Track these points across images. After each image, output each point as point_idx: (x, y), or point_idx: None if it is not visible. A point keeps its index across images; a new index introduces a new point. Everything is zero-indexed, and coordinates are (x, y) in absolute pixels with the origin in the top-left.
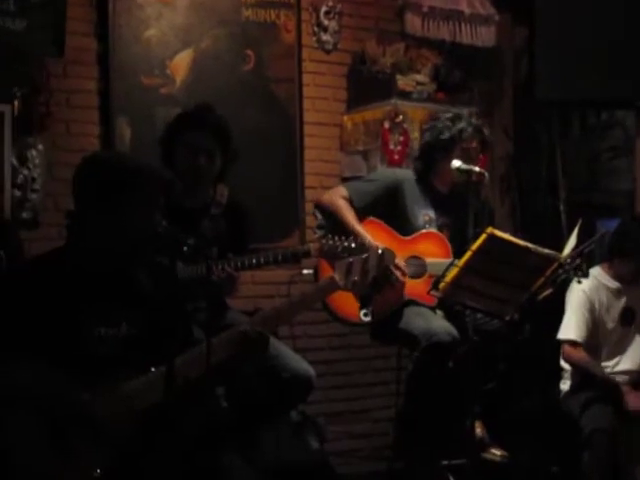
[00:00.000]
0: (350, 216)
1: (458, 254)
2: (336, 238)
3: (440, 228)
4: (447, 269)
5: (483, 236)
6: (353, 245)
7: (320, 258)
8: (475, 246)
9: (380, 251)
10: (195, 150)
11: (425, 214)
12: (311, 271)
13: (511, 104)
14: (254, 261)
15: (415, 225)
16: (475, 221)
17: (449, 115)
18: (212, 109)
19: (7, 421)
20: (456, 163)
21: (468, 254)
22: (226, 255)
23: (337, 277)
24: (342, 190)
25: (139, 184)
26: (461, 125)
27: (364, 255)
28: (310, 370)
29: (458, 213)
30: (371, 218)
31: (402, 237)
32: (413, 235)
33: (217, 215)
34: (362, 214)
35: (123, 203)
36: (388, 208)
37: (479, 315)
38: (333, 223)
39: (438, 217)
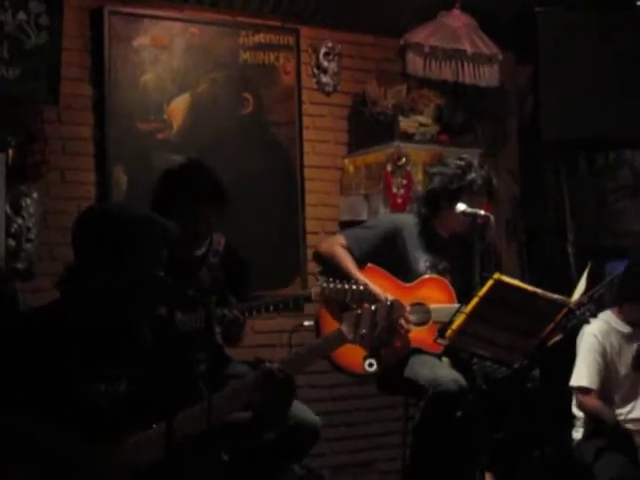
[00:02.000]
0: (351, 265)
1: (464, 300)
2: (337, 281)
3: (441, 273)
4: (454, 316)
5: (490, 282)
6: (361, 288)
7: (322, 303)
8: (482, 292)
9: (389, 303)
10: (192, 218)
11: (426, 259)
12: (311, 322)
13: (516, 145)
14: (254, 308)
15: (416, 271)
16: (481, 266)
17: (459, 163)
18: (204, 169)
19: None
20: (461, 207)
21: (475, 300)
22: (227, 302)
23: (345, 330)
24: (340, 238)
25: (144, 236)
26: (472, 176)
27: (373, 307)
28: (316, 419)
29: (461, 258)
30: (371, 265)
31: (404, 284)
32: (415, 281)
33: (215, 264)
34: (362, 262)
35: (128, 256)
36: (388, 255)
37: (487, 363)
38: (334, 273)
39: (439, 262)
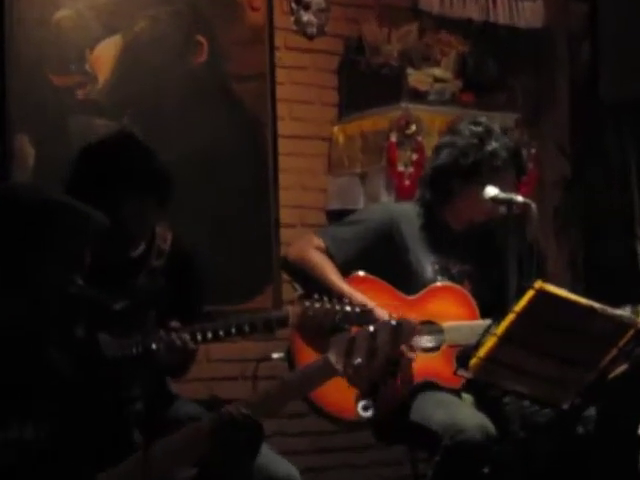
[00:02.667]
0: (333, 274)
1: (490, 316)
2: (325, 298)
3: (457, 279)
4: (481, 338)
5: (530, 292)
6: (357, 310)
7: (300, 329)
8: (519, 307)
9: (394, 322)
10: (123, 211)
11: (435, 262)
12: (282, 354)
13: (567, 108)
14: (209, 333)
15: (422, 278)
16: (519, 271)
17: (475, 129)
18: (138, 143)
19: None
20: (491, 191)
21: (510, 318)
22: (166, 323)
23: (334, 358)
24: (315, 239)
25: (57, 229)
26: (492, 146)
27: (372, 327)
28: (293, 471)
29: (484, 258)
30: (359, 274)
31: (405, 296)
32: (421, 292)
33: (157, 268)
34: (346, 269)
35: (32, 256)
36: (382, 259)
37: (525, 402)
38: (309, 287)
39: (453, 265)
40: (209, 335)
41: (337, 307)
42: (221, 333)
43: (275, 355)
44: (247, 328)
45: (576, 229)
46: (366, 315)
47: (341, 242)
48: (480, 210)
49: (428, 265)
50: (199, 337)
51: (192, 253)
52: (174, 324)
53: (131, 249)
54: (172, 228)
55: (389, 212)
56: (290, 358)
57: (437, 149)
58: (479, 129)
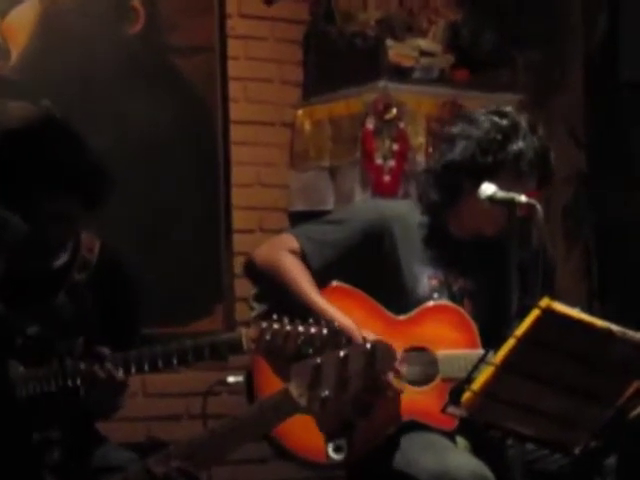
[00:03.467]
0: (306, 283)
1: (492, 342)
2: (286, 320)
3: (457, 298)
4: (475, 369)
5: (535, 313)
6: (324, 332)
7: (258, 354)
8: (522, 330)
9: (369, 346)
10: (40, 214)
11: (432, 276)
12: (240, 378)
13: (581, 87)
14: (146, 362)
15: (415, 294)
16: (522, 286)
17: (499, 121)
18: (60, 128)
19: None
20: (487, 189)
21: (510, 344)
22: (91, 350)
23: (295, 391)
24: (289, 240)
25: None
26: (519, 145)
27: (342, 352)
28: None
29: (490, 273)
30: (338, 284)
31: (393, 316)
32: (413, 312)
33: (80, 283)
34: (323, 277)
35: None
36: (367, 268)
37: (530, 446)
38: (276, 296)
39: (454, 280)
40: (145, 365)
41: (300, 329)
42: (160, 363)
43: (231, 379)
44: (191, 356)
45: (590, 232)
46: (336, 337)
47: (319, 244)
48: (483, 217)
49: (423, 279)
50: (133, 368)
51: (124, 265)
52: (102, 350)
53: (49, 259)
54: (100, 235)
55: (379, 211)
56: (249, 383)
57: (449, 140)
58: (504, 122)
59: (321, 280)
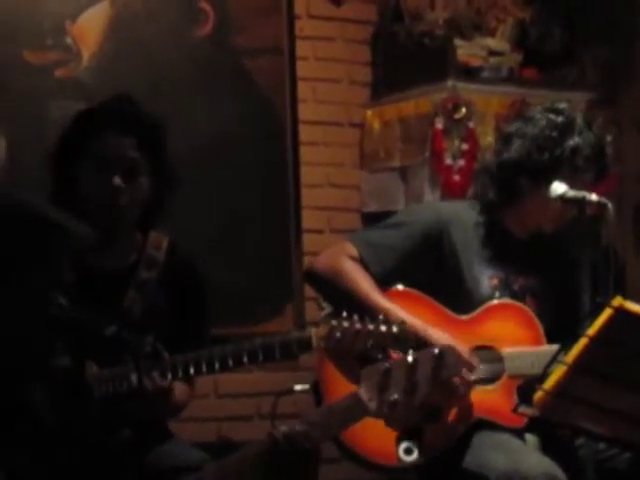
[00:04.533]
0: (368, 287)
1: (562, 340)
2: (355, 318)
3: (519, 296)
4: (547, 367)
5: (608, 312)
6: (394, 330)
7: (329, 353)
8: (595, 329)
9: (437, 350)
10: (107, 163)
11: (492, 275)
12: (307, 387)
13: None
14: (217, 362)
15: (477, 294)
16: (593, 285)
17: (554, 118)
18: (135, 103)
19: None
20: (559, 188)
21: (582, 343)
22: (158, 350)
23: (365, 395)
24: (349, 247)
25: (31, 248)
26: (575, 141)
27: (410, 357)
28: None
29: (553, 271)
30: (399, 288)
31: (457, 316)
32: (475, 311)
33: (151, 281)
34: (385, 282)
35: (9, 280)
36: (428, 270)
37: (601, 445)
38: (340, 302)
39: (515, 279)
40: (216, 364)
41: (370, 327)
42: (230, 362)
43: (298, 387)
44: (261, 355)
45: None
46: (405, 339)
47: (378, 249)
48: (549, 215)
49: (484, 279)
50: (204, 367)
51: (193, 263)
52: (162, 354)
53: (119, 257)
54: (169, 234)
55: (437, 213)
56: (317, 391)
57: (505, 139)
58: (559, 119)
59: (383, 284)
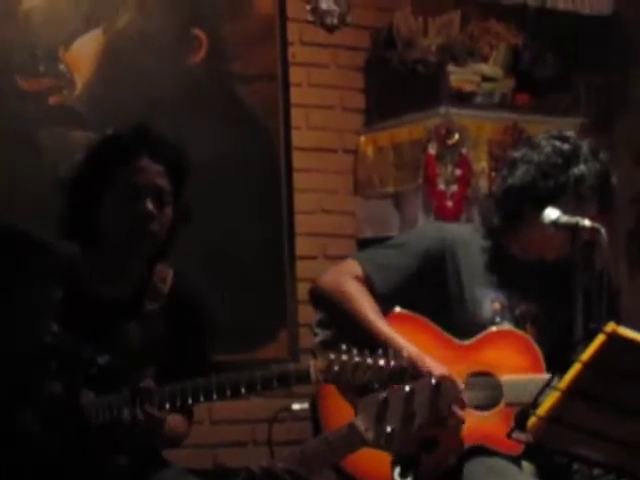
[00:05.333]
0: (371, 310)
1: (557, 367)
2: (354, 351)
3: (520, 322)
4: (540, 394)
5: (601, 337)
6: (391, 364)
7: (326, 384)
8: (588, 355)
9: (434, 381)
10: (140, 190)
11: (494, 299)
12: (305, 405)
13: None
14: (215, 392)
15: (478, 318)
16: (586, 310)
17: (560, 145)
18: (157, 131)
19: None
20: (551, 214)
21: (576, 368)
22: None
23: (362, 426)
24: (353, 266)
25: (11, 265)
26: (580, 169)
27: (407, 388)
28: None
29: (553, 295)
30: (400, 311)
31: (456, 341)
32: (476, 337)
33: (154, 312)
34: (388, 302)
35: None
36: (430, 292)
37: (595, 471)
38: (341, 322)
39: (516, 304)
40: (213, 394)
41: (368, 361)
42: (228, 392)
43: (296, 406)
44: (260, 386)
45: None
46: (403, 370)
47: (384, 269)
48: (547, 242)
49: (486, 302)
50: (202, 395)
51: (196, 294)
52: (146, 383)
53: (122, 286)
54: (173, 266)
55: (441, 234)
56: (314, 410)
57: (510, 165)
58: (565, 146)
59: (386, 304)
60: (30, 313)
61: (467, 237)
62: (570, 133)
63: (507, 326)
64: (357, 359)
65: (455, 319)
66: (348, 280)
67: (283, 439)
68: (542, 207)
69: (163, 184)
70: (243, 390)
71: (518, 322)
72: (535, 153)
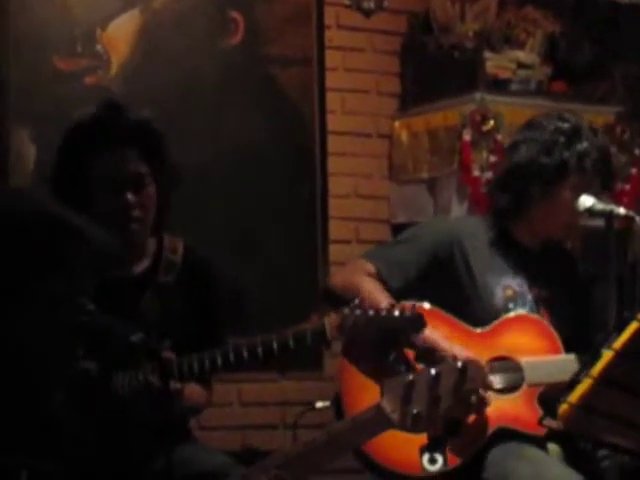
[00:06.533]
0: (386, 302)
1: (588, 355)
2: (368, 305)
3: (533, 307)
4: (574, 382)
5: (634, 325)
6: (406, 315)
7: (346, 358)
8: (621, 343)
9: (460, 364)
10: (115, 182)
11: (506, 286)
12: (327, 404)
13: None
14: (231, 357)
15: (491, 306)
16: (620, 298)
17: (561, 125)
18: (123, 109)
19: None
20: (587, 201)
21: (608, 356)
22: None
23: (388, 407)
24: (365, 264)
25: (61, 255)
26: (583, 146)
27: (433, 370)
28: None
29: (563, 279)
30: (417, 304)
31: (473, 330)
32: (492, 324)
33: (169, 284)
34: (401, 297)
35: (29, 289)
36: (443, 284)
37: (625, 458)
38: None
39: (528, 289)
40: (232, 359)
41: (382, 313)
42: (245, 354)
43: (319, 404)
44: (276, 346)
45: None
46: (417, 321)
47: (395, 265)
48: (559, 224)
49: (498, 290)
50: (220, 362)
51: (211, 265)
52: (166, 355)
53: (133, 263)
54: (200, 246)
55: (448, 228)
56: (337, 406)
57: (513, 146)
58: (566, 125)
59: (400, 300)
60: (63, 297)
61: (474, 228)
62: (569, 115)
63: (522, 311)
64: (371, 312)
65: (469, 308)
66: (361, 277)
67: (312, 422)
68: (547, 186)
69: (140, 169)
70: (260, 351)
71: (532, 307)
72: (537, 132)
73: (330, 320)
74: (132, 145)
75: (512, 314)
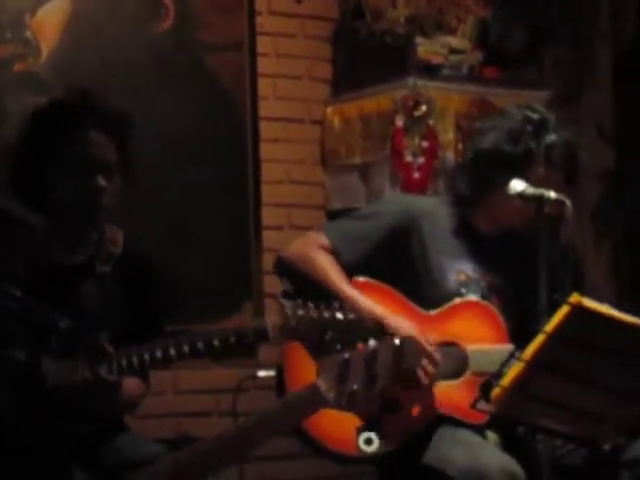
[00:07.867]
0: (338, 277)
1: (521, 339)
2: (311, 305)
3: (485, 294)
4: (505, 365)
5: (565, 309)
6: (350, 317)
7: (287, 342)
8: (552, 326)
9: (397, 341)
10: (89, 165)
11: (460, 271)
12: (271, 372)
13: (610, 85)
14: (171, 351)
15: (442, 289)
16: (551, 283)
17: (530, 114)
18: (95, 96)
19: None
20: (517, 185)
21: (540, 340)
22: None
23: (324, 385)
24: (319, 237)
25: None
26: (551, 138)
27: (369, 348)
28: None
29: (518, 268)
30: (365, 279)
31: (423, 311)
32: (442, 308)
33: (107, 275)
34: (353, 273)
35: None
36: (396, 263)
37: (558, 442)
38: (308, 292)
39: (482, 275)
40: (172, 353)
41: (325, 315)
42: (186, 350)
43: (262, 373)
44: (217, 344)
45: (619, 231)
46: (361, 323)
47: (350, 240)
48: (511, 213)
49: (452, 274)
50: (159, 356)
51: (148, 257)
52: (108, 348)
53: (74, 252)
54: (126, 229)
55: (407, 205)
56: (280, 377)
57: (480, 132)
58: (535, 116)
59: (352, 274)
60: None
61: (432, 209)
62: (538, 106)
63: (473, 297)
64: (314, 314)
65: (421, 290)
66: (314, 250)
67: (247, 409)
68: (511, 176)
69: (112, 157)
70: (201, 347)
71: (484, 294)
72: (506, 120)
73: (273, 320)
74: (108, 132)
75: (463, 299)
